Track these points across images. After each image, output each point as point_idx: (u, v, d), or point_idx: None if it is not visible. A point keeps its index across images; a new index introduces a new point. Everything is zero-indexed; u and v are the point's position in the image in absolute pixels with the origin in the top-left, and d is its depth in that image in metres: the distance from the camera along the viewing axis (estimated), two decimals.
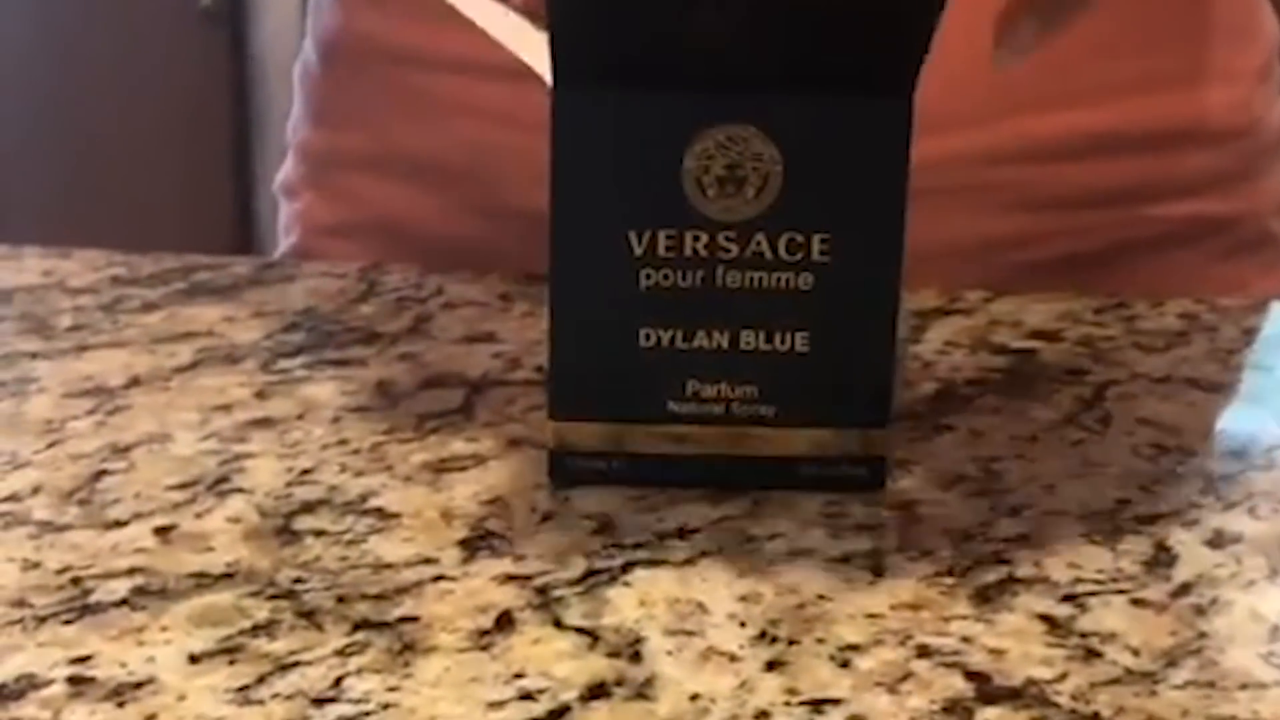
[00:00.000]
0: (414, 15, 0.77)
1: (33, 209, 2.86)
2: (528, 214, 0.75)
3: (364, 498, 0.54)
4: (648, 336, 0.54)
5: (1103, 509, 0.54)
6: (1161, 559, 0.52)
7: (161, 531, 0.52)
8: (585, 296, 0.54)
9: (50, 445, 0.57)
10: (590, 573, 0.50)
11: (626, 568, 0.50)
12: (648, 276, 0.53)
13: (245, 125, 2.74)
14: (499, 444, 0.58)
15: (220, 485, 0.55)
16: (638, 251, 0.53)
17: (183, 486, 0.55)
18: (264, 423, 0.59)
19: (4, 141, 2.88)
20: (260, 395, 0.62)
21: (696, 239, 0.53)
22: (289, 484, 0.55)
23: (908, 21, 0.51)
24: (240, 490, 0.54)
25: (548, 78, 0.52)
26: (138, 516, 0.53)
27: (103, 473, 0.55)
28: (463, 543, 0.52)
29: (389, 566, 0.50)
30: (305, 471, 0.56)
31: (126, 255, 0.75)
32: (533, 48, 0.55)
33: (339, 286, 0.73)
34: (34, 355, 0.65)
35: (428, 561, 0.50)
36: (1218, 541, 0.53)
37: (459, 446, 0.58)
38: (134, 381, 0.62)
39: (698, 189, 0.52)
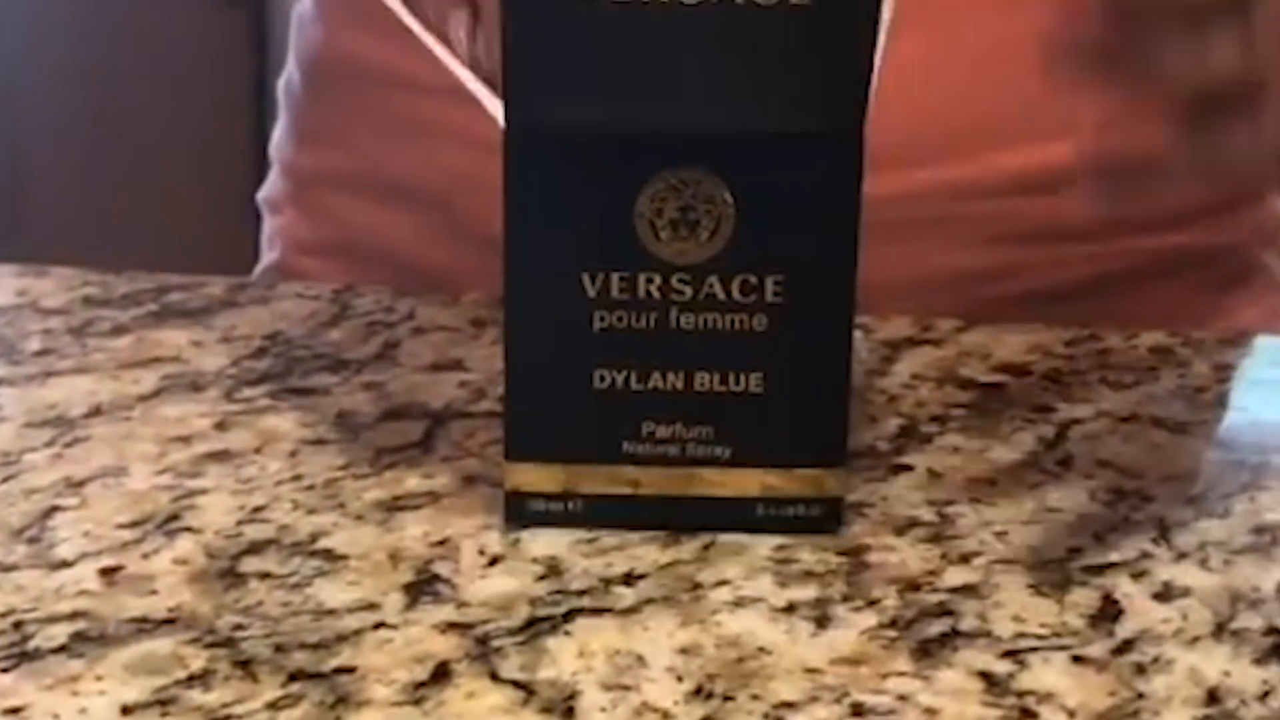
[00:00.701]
0: (398, 36, 0.76)
1: (53, 195, 2.87)
2: (493, 237, 0.75)
3: (313, 537, 0.54)
4: (602, 378, 0.54)
5: (1054, 558, 0.54)
6: (1107, 612, 0.51)
7: (107, 573, 0.52)
8: (539, 338, 0.54)
9: (5, 479, 0.57)
10: (532, 621, 0.50)
11: (569, 615, 0.50)
12: (601, 318, 0.53)
13: (265, 112, 2.75)
14: (455, 481, 0.58)
15: (171, 523, 0.55)
16: (591, 293, 0.53)
17: (133, 525, 0.55)
18: (221, 456, 0.59)
19: (25, 126, 2.88)
20: (220, 426, 0.62)
21: (650, 281, 0.53)
22: (240, 522, 0.55)
23: (845, 62, 0.51)
24: (190, 529, 0.54)
25: (495, 109, 0.52)
26: (85, 556, 0.53)
27: (55, 509, 0.55)
28: (407, 587, 0.52)
29: (330, 613, 0.50)
30: (257, 509, 0.56)
31: (102, 274, 0.75)
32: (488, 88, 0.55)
33: (311, 309, 0.73)
34: (0, 382, 0.65)
35: (370, 607, 0.50)
36: (1165, 594, 0.52)
37: (414, 483, 0.58)
38: (96, 410, 0.63)
39: (651, 232, 0.52)
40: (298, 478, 0.58)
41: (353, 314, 0.72)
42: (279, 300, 0.74)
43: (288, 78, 0.84)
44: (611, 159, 0.52)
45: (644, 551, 0.54)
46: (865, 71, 0.51)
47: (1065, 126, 0.71)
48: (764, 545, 0.55)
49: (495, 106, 0.52)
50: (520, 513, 0.55)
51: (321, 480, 0.58)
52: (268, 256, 0.84)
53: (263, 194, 0.85)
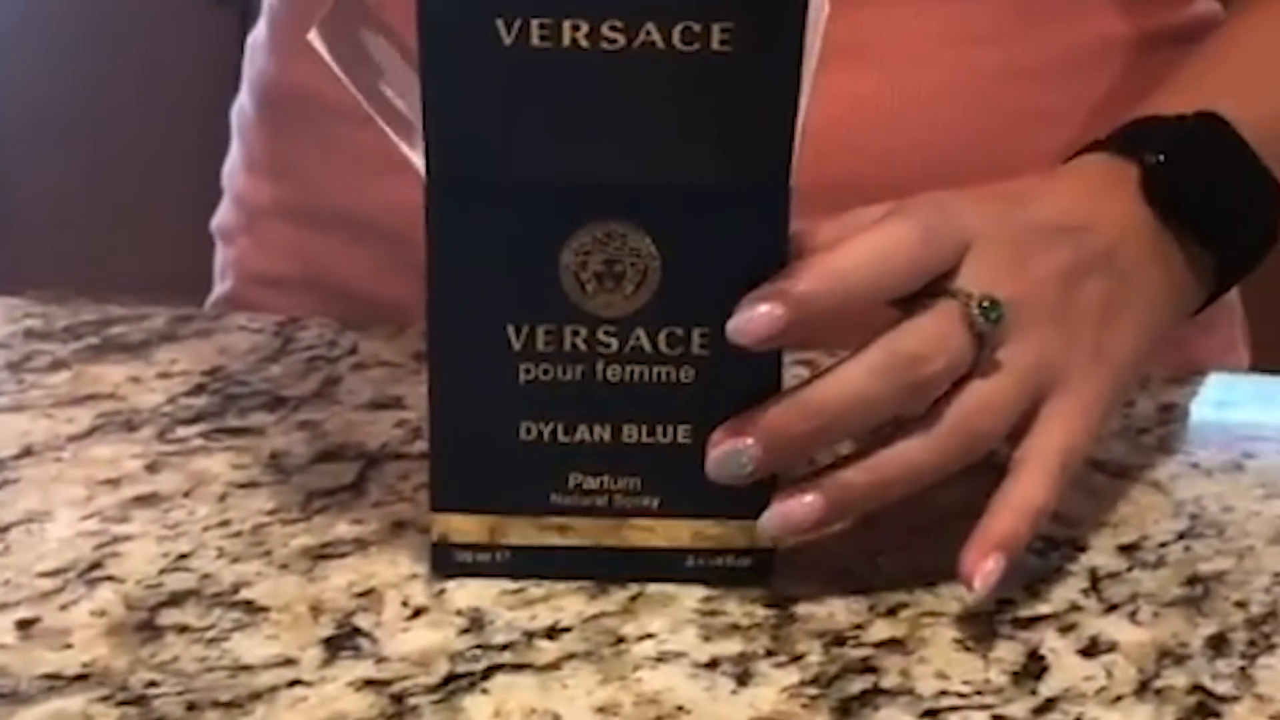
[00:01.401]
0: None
1: (42, 193, 2.86)
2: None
3: (236, 587, 0.54)
4: (528, 430, 0.53)
5: (982, 610, 0.54)
6: (1031, 669, 0.51)
7: (24, 625, 0.51)
8: (465, 389, 0.53)
9: None
10: (451, 678, 0.50)
11: (489, 672, 0.50)
12: (527, 371, 0.53)
13: None
14: (384, 527, 0.58)
15: (92, 572, 0.54)
16: (516, 346, 0.52)
17: (55, 573, 0.54)
18: (150, 499, 0.59)
19: (10, 125, 2.88)
20: (151, 468, 0.61)
21: (576, 334, 0.52)
22: (162, 570, 0.54)
23: (768, 110, 0.50)
24: (111, 578, 0.54)
25: (420, 166, 0.52)
26: (3, 608, 0.52)
27: None
28: (327, 641, 0.51)
29: (247, 669, 0.50)
30: (182, 556, 0.55)
31: (45, 305, 0.75)
32: (409, 126, 0.54)
33: (253, 343, 0.72)
34: None
35: (287, 663, 0.50)
36: (1092, 649, 0.52)
37: (343, 529, 0.57)
38: (27, 451, 0.62)
39: (576, 284, 0.52)
40: (225, 523, 0.58)
41: (295, 348, 0.72)
42: (222, 333, 0.73)
43: (240, 105, 0.83)
44: (535, 211, 0.51)
45: (570, 602, 0.54)
46: (789, 119, 0.50)
47: (1035, 162, 0.70)
48: (691, 596, 0.54)
49: (418, 159, 0.52)
50: (447, 562, 0.55)
51: (249, 526, 0.57)
52: (220, 287, 0.84)
53: (215, 222, 0.85)
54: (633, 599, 0.54)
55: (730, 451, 0.52)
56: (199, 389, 0.67)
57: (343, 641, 0.51)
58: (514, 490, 0.54)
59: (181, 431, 0.64)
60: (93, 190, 2.83)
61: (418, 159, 0.52)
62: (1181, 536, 0.59)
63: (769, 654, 0.51)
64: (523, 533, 0.54)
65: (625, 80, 0.49)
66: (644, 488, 0.54)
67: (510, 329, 0.52)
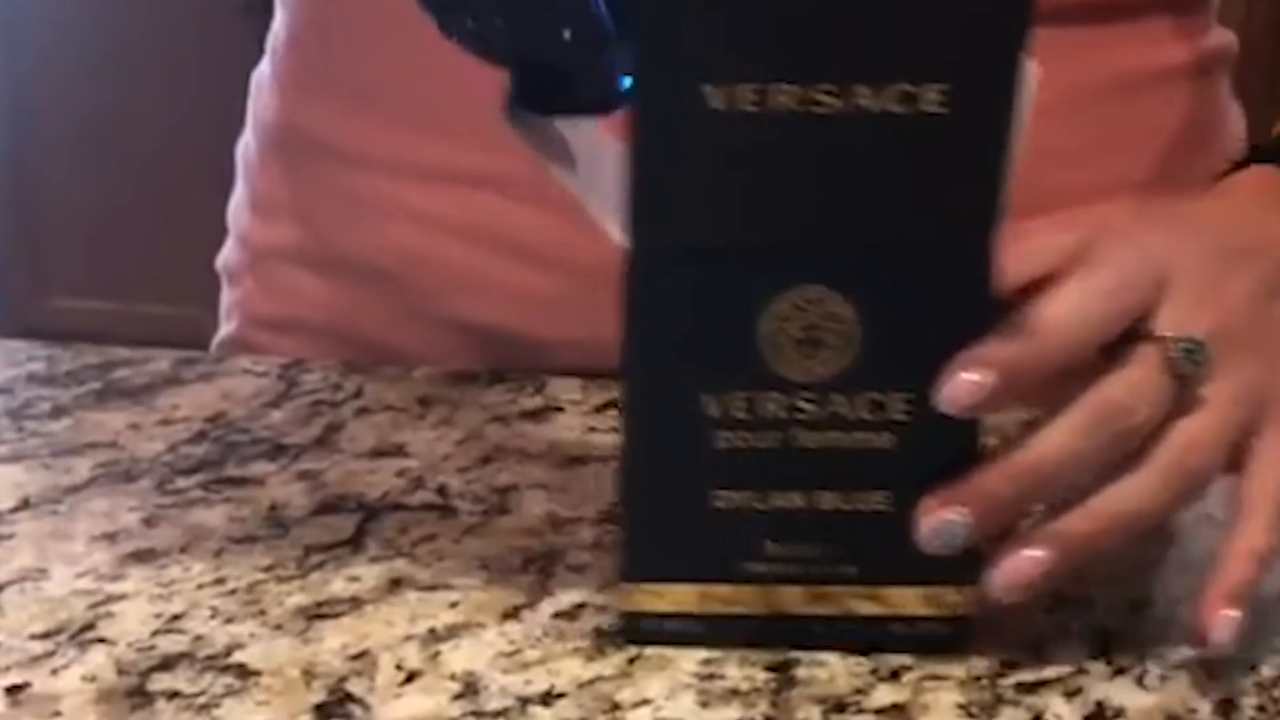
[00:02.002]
0: (352, 114, 0.75)
1: (65, 203, 2.87)
2: (457, 323, 0.74)
3: (229, 650, 0.53)
4: (724, 498, 0.52)
5: (986, 673, 0.53)
6: None
7: (13, 691, 0.51)
8: (660, 457, 0.52)
9: None
10: None
11: None
12: (724, 438, 0.52)
13: None
14: (381, 584, 0.57)
15: (84, 634, 0.54)
16: (713, 413, 0.52)
17: (46, 635, 0.54)
18: (145, 555, 0.58)
19: (38, 135, 2.88)
20: (149, 522, 0.61)
21: (774, 400, 0.51)
22: (155, 632, 0.54)
23: (981, 168, 0.49)
24: (103, 640, 0.53)
25: (617, 235, 0.51)
26: None
27: None
28: (319, 708, 0.50)
29: None
30: (175, 617, 0.55)
31: (48, 348, 0.74)
32: (604, 197, 0.53)
33: (256, 387, 0.71)
34: None
35: None
36: (1099, 715, 0.51)
37: (338, 587, 0.57)
38: (24, 504, 0.62)
39: (775, 351, 0.51)
40: (220, 580, 0.57)
41: (299, 392, 0.71)
42: (226, 376, 0.73)
43: (245, 143, 0.82)
44: (736, 278, 0.50)
45: (566, 665, 0.53)
46: (1000, 177, 0.49)
47: (1053, 198, 0.69)
48: (690, 659, 0.53)
49: (615, 227, 0.51)
50: (636, 631, 0.54)
51: (245, 584, 0.57)
52: (225, 328, 0.83)
53: (221, 261, 0.84)
54: (630, 661, 0.53)
55: (945, 521, 0.51)
56: (200, 436, 0.67)
57: (334, 709, 0.50)
58: (708, 558, 0.53)
59: (180, 482, 0.63)
60: (121, 197, 2.83)
61: (614, 227, 0.51)
62: (1193, 593, 0.57)
63: None
64: (716, 601, 0.53)
65: (834, 143, 0.49)
66: (841, 555, 0.53)
67: (707, 396, 0.51)
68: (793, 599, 0.53)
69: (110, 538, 0.59)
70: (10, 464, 0.64)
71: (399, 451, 0.66)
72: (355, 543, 0.59)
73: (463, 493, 0.62)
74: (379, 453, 0.66)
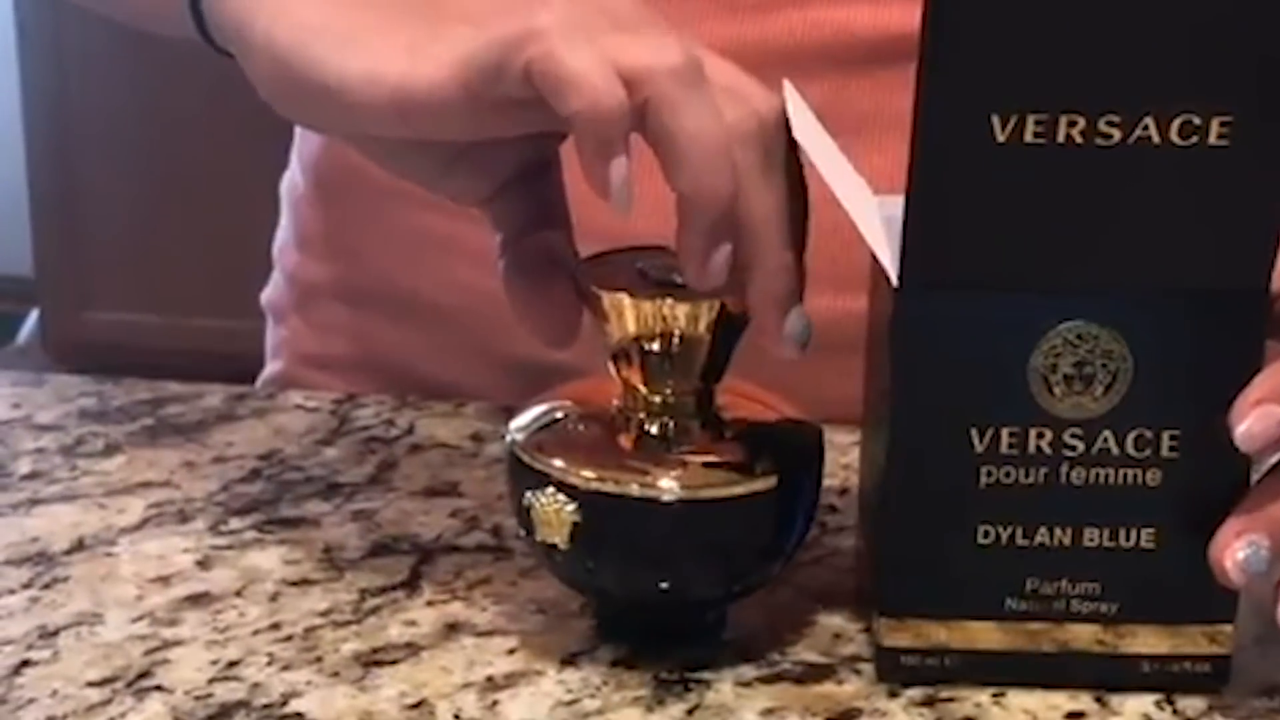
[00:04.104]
0: None
1: (113, 213, 2.87)
2: (513, 360, 0.74)
3: (285, 698, 0.53)
4: (986, 534, 0.52)
5: None
6: None
7: None
8: (923, 492, 0.52)
9: None
10: None
11: None
12: (989, 473, 0.52)
13: None
14: (437, 629, 0.56)
15: (141, 681, 0.53)
16: (979, 449, 0.52)
17: (103, 683, 0.53)
18: (201, 599, 0.58)
19: (83, 150, 2.89)
20: (203, 564, 0.60)
21: (1041, 436, 0.52)
22: (211, 680, 0.54)
23: (1257, 211, 0.49)
24: (160, 688, 0.53)
25: (887, 263, 0.51)
26: None
27: (25, 664, 0.54)
28: None
29: None
30: (231, 664, 0.54)
31: (99, 383, 0.74)
32: (870, 219, 0.54)
33: (308, 423, 0.71)
34: None
35: None
36: None
37: (395, 632, 0.56)
38: (78, 545, 0.61)
39: (1044, 387, 0.51)
40: (276, 626, 0.57)
41: (351, 428, 0.71)
42: (278, 412, 0.72)
43: (292, 179, 0.82)
44: (1008, 313, 0.51)
45: (625, 716, 0.52)
46: (1275, 220, 0.49)
47: None
48: (750, 709, 0.53)
49: (889, 260, 0.51)
50: (893, 669, 0.54)
51: (300, 629, 0.56)
52: (272, 365, 0.82)
53: (266, 297, 0.84)
54: (689, 711, 0.53)
55: (1251, 547, 0.51)
56: (254, 475, 0.66)
57: None
58: (967, 595, 0.53)
59: (235, 523, 0.63)
60: (164, 210, 2.83)
61: (887, 260, 0.52)
62: (1259, 641, 0.57)
63: None
64: (974, 638, 0.53)
65: (1116, 177, 0.49)
66: (1103, 593, 0.53)
67: (974, 431, 0.51)
68: (1050, 636, 0.53)
69: (165, 580, 0.59)
70: (65, 503, 0.64)
71: (452, 491, 0.66)
72: (410, 585, 0.59)
73: (517, 533, 0.62)
74: (432, 492, 0.66)
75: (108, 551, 0.61)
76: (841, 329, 0.68)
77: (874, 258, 0.57)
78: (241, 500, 0.65)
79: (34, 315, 2.92)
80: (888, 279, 0.52)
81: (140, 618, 0.57)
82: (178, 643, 0.56)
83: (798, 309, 0.53)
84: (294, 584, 0.59)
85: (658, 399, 0.55)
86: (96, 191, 2.90)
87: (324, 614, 0.57)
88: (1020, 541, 0.52)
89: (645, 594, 0.54)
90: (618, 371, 0.55)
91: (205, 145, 2.82)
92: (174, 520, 0.63)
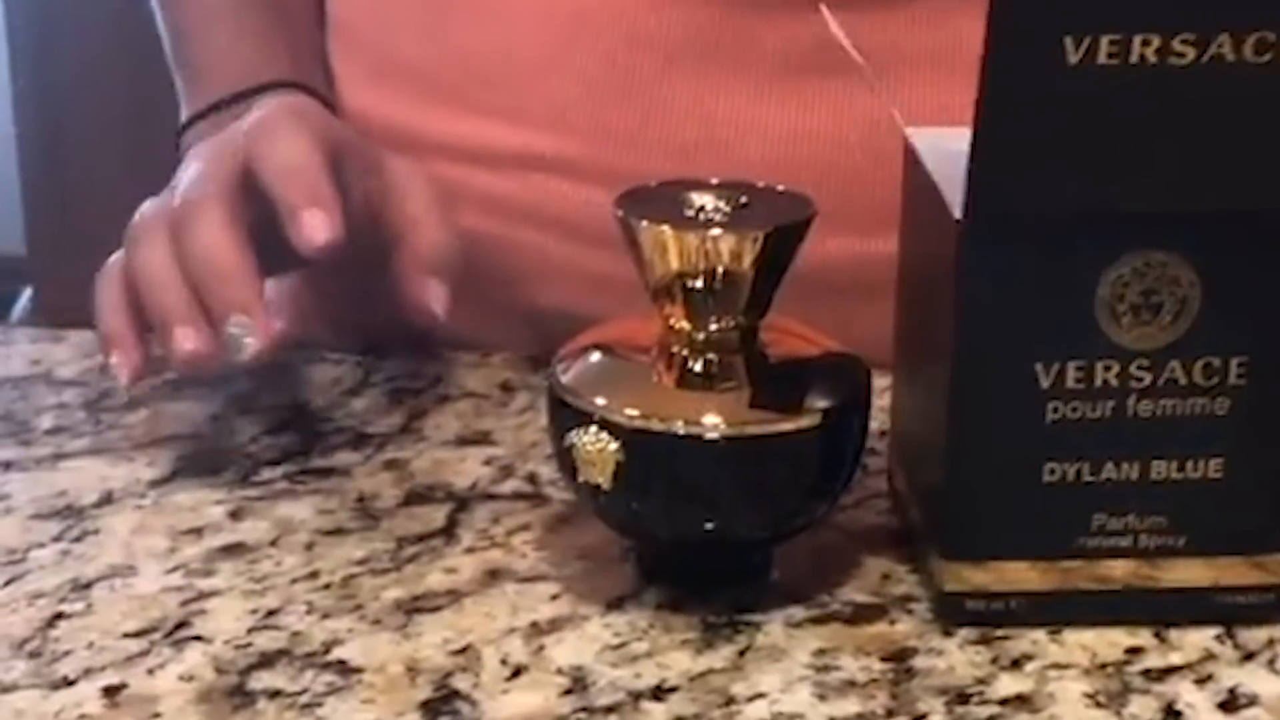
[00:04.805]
0: (414, 99, 0.74)
1: (106, 192, 2.85)
2: (526, 309, 0.72)
3: (327, 647, 0.52)
4: (1053, 471, 0.51)
5: (1112, 660, 0.51)
6: None
7: (110, 692, 0.49)
8: (987, 431, 0.51)
9: (9, 581, 0.55)
10: None
11: None
12: (1054, 410, 0.51)
13: None
14: (478, 576, 0.55)
15: (179, 632, 0.52)
16: (1045, 384, 0.50)
17: (140, 634, 0.52)
18: (235, 550, 0.57)
19: (76, 128, 2.87)
20: (235, 515, 0.59)
21: (1108, 369, 0.50)
22: (251, 629, 0.52)
23: None
24: (199, 638, 0.52)
25: (949, 197, 0.50)
26: (88, 673, 0.50)
27: (59, 616, 0.53)
28: (424, 706, 0.49)
29: None
30: (270, 613, 0.53)
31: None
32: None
33: (334, 375, 0.70)
34: (8, 465, 0.62)
35: None
36: (1231, 703, 0.49)
37: (435, 580, 0.55)
38: (108, 498, 0.60)
39: (1111, 318, 0.50)
40: (314, 575, 0.55)
41: (378, 379, 0.69)
42: (302, 365, 0.71)
43: None
44: (1075, 243, 0.49)
45: (675, 659, 0.51)
46: None
47: None
48: (803, 650, 0.52)
49: (952, 193, 0.50)
50: (957, 612, 0.52)
51: (339, 578, 0.55)
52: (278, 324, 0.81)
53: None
54: (741, 653, 0.51)
55: None
56: (282, 426, 0.65)
57: (441, 706, 0.49)
58: (1033, 534, 0.52)
59: (265, 474, 0.62)
60: (157, 189, 2.82)
61: (951, 193, 0.50)
62: None
63: (889, 714, 0.49)
64: (1041, 578, 0.52)
65: (1189, 98, 0.47)
66: (1171, 526, 0.52)
67: (1039, 367, 0.50)
68: (1121, 573, 0.52)
69: (198, 532, 0.58)
70: (91, 457, 0.63)
71: (485, 439, 0.64)
72: (448, 534, 0.58)
73: (553, 481, 0.61)
74: (464, 440, 0.64)
75: (137, 504, 0.60)
76: (865, 272, 0.67)
77: (909, 196, 0.56)
78: (271, 451, 0.63)
79: (27, 293, 2.91)
80: (945, 214, 0.50)
81: (174, 569, 0.56)
82: (214, 593, 0.54)
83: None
84: (329, 533, 0.58)
85: (701, 335, 0.53)
86: (89, 168, 2.88)
87: (361, 562, 0.56)
88: (1087, 478, 0.51)
89: (690, 535, 0.53)
90: (660, 308, 0.54)
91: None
92: (204, 472, 0.62)
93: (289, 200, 0.60)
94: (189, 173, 0.62)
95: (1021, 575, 0.52)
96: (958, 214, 0.49)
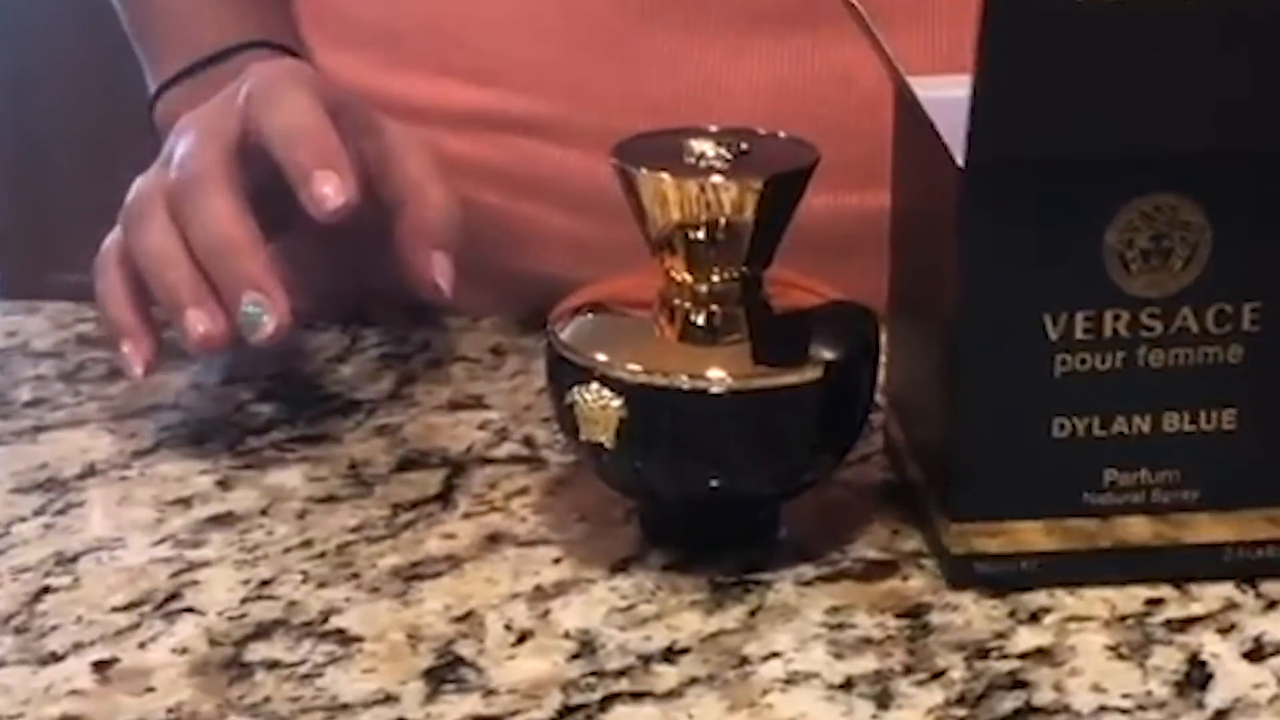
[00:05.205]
0: (380, 61, 0.72)
1: (76, 174, 2.83)
2: (501, 273, 0.70)
3: (325, 615, 0.50)
4: (1062, 426, 0.49)
5: (1132, 612, 0.50)
6: (1194, 678, 0.47)
7: (101, 666, 0.48)
8: (993, 387, 0.49)
9: None
10: (566, 710, 0.46)
11: (606, 703, 0.46)
12: (1063, 362, 0.49)
13: None
14: (477, 541, 0.54)
15: (170, 604, 0.50)
16: (1053, 336, 0.49)
17: (129, 607, 0.50)
18: (225, 520, 0.55)
19: (46, 109, 2.84)
20: (224, 484, 0.57)
21: (1117, 318, 0.49)
22: (244, 600, 0.51)
23: None
24: (191, 610, 0.50)
25: (950, 142, 0.48)
26: (77, 648, 0.48)
27: (45, 590, 0.51)
28: (428, 673, 0.47)
29: (345, 708, 0.46)
30: (264, 583, 0.52)
31: (95, 309, 0.70)
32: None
33: (318, 342, 0.68)
34: None
35: (388, 700, 0.46)
36: (1257, 653, 0.48)
37: (433, 546, 0.53)
38: (90, 470, 0.58)
39: (1120, 265, 0.48)
40: (307, 543, 0.54)
41: (364, 345, 0.68)
42: None
43: None
44: (1081, 189, 0.48)
45: (685, 620, 0.50)
46: None
47: None
48: (815, 608, 0.50)
49: (954, 141, 0.48)
50: (967, 575, 0.51)
51: (333, 546, 0.53)
52: None
53: None
54: (752, 613, 0.50)
55: None
56: (267, 394, 0.63)
57: (445, 673, 0.47)
58: (1042, 493, 0.50)
59: (252, 442, 0.60)
60: (126, 172, 2.79)
61: (952, 140, 0.48)
62: None
63: (907, 671, 0.47)
64: (1051, 538, 0.50)
65: (1198, 35, 0.46)
66: (1184, 480, 0.50)
67: (1047, 318, 0.48)
68: (1134, 530, 0.50)
69: (185, 503, 0.56)
70: (72, 429, 0.61)
71: (478, 403, 0.63)
72: (444, 499, 0.56)
73: (550, 444, 0.59)
74: (457, 405, 0.63)
75: (122, 475, 0.58)
76: (848, 227, 0.65)
77: (905, 145, 0.55)
78: (257, 420, 0.62)
79: None
80: (946, 161, 0.49)
81: (162, 540, 0.54)
82: (205, 564, 0.53)
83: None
84: (321, 501, 0.56)
85: (703, 287, 0.52)
86: (57, 151, 2.85)
87: (356, 530, 0.54)
88: (1098, 432, 0.50)
89: (695, 493, 0.52)
90: (660, 261, 0.52)
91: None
92: (188, 442, 0.60)
93: (299, 163, 0.58)
94: (182, 144, 0.60)
95: (1030, 535, 0.50)
96: (960, 160, 0.48)
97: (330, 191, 0.57)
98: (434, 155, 0.64)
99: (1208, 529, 0.51)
